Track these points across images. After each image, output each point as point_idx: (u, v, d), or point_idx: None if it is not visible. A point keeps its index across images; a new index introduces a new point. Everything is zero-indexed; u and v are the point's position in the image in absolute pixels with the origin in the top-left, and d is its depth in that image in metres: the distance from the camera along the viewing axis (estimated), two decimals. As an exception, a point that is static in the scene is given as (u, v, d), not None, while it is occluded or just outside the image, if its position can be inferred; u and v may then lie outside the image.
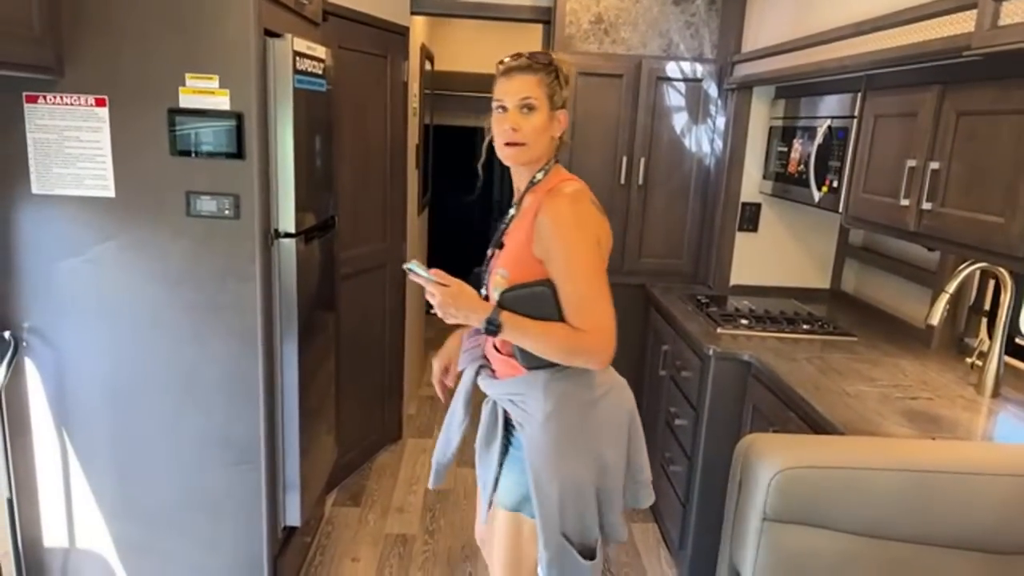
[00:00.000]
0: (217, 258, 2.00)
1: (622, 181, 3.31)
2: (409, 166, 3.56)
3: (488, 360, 1.73)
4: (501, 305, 1.52)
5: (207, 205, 1.96)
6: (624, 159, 3.29)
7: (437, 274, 1.52)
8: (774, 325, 2.68)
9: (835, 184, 2.45)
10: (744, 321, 2.70)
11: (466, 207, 6.81)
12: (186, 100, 1.91)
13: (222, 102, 1.91)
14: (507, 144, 1.56)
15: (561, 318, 1.49)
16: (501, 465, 1.66)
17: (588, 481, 1.59)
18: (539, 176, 1.61)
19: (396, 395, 3.63)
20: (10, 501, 2.10)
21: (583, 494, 1.59)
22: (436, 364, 1.90)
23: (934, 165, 1.88)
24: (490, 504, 1.70)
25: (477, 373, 1.73)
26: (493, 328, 1.49)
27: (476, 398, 1.79)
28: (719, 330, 2.62)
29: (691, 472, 2.59)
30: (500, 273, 1.58)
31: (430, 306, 1.53)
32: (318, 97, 2.25)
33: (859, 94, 2.33)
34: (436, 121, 5.15)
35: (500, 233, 1.66)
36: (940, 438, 1.71)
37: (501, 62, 1.61)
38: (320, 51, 2.21)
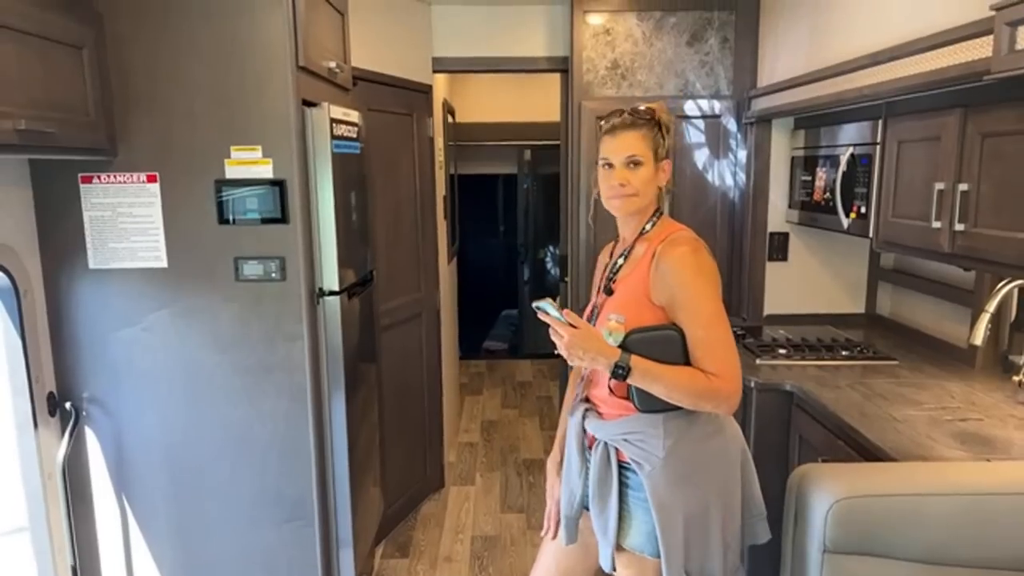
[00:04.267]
0: (266, 320, 2.07)
1: (648, 219, 3.34)
2: (438, 217, 3.64)
3: (593, 403, 1.74)
4: (626, 348, 1.54)
5: (254, 269, 2.04)
6: (649, 197, 3.33)
7: (568, 315, 1.54)
8: (813, 353, 2.68)
9: (863, 210, 2.48)
10: (782, 351, 2.71)
11: (491, 252, 6.92)
12: (232, 171, 2.00)
13: (265, 171, 2.00)
14: (615, 197, 1.65)
15: (685, 362, 1.53)
16: (620, 508, 1.65)
17: (711, 516, 1.60)
18: (648, 227, 1.69)
19: (437, 443, 3.65)
20: (74, 568, 2.14)
21: (707, 529, 1.59)
22: (551, 502, 1.91)
23: (963, 187, 1.90)
24: (614, 548, 1.66)
25: (584, 417, 1.73)
26: (622, 371, 1.51)
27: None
28: (758, 361, 2.63)
29: (740, 506, 2.57)
30: (614, 319, 1.60)
31: (554, 346, 1.54)
32: (353, 159, 2.34)
33: (880, 121, 2.37)
34: (459, 171, 5.27)
35: (608, 281, 1.71)
36: (995, 459, 1.70)
37: (604, 120, 1.69)
38: (353, 116, 2.30)
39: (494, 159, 6.12)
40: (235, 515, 2.16)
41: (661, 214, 1.72)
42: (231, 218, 2.02)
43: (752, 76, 3.25)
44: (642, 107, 1.65)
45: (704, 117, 3.31)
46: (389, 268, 3.10)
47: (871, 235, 2.43)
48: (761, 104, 3.14)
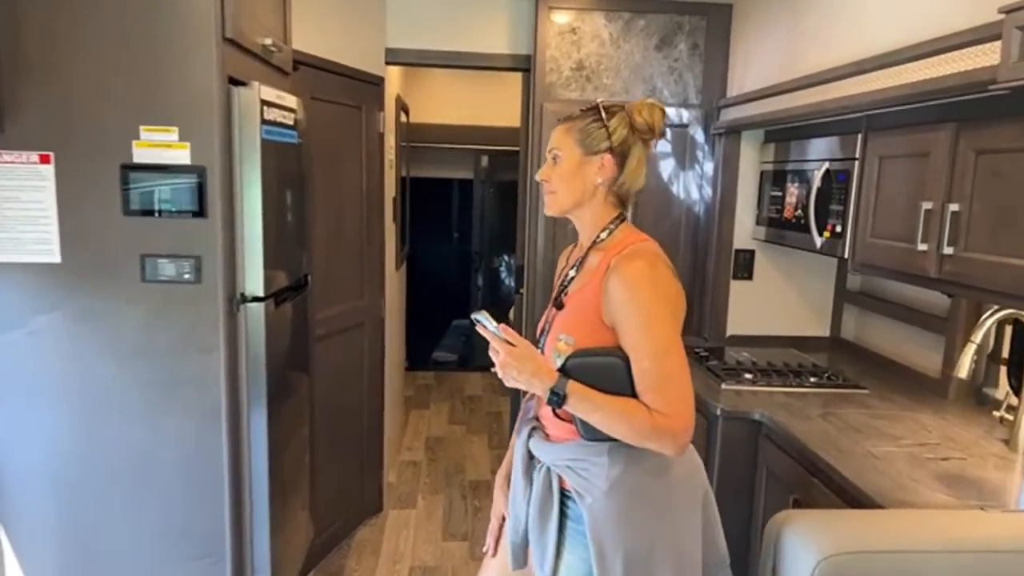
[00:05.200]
0: (176, 327, 1.80)
1: (610, 230, 3.16)
2: (387, 220, 3.40)
3: (540, 422, 1.56)
4: (566, 373, 1.37)
5: (165, 269, 1.77)
6: (611, 207, 3.15)
7: (505, 331, 1.38)
8: (779, 378, 2.53)
9: (838, 229, 2.33)
10: (748, 375, 2.54)
11: (444, 259, 6.68)
12: (141, 154, 1.73)
13: (181, 156, 1.74)
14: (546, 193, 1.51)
15: (632, 392, 1.35)
16: (560, 539, 1.48)
17: (656, 559, 1.41)
18: (604, 235, 1.49)
19: (375, 463, 3.39)
20: (-65, 612, 1.83)
21: (650, 574, 1.40)
22: (494, 519, 1.75)
23: (954, 207, 1.75)
24: None
25: (529, 435, 1.55)
26: (557, 399, 1.35)
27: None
28: (723, 386, 2.45)
29: (701, 542, 2.39)
30: (563, 339, 1.44)
31: (492, 363, 1.38)
32: (288, 149, 2.08)
33: (859, 135, 2.23)
34: (412, 173, 5.02)
35: (559, 292, 1.53)
36: (988, 508, 1.54)
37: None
38: (290, 100, 2.05)
39: (450, 163, 5.88)
40: (134, 552, 1.88)
41: (623, 220, 1.52)
42: (139, 209, 1.75)
43: (722, 85, 3.11)
44: (595, 103, 1.49)
45: (671, 126, 3.14)
46: (329, 273, 2.84)
47: (846, 255, 2.28)
48: (731, 115, 2.99)
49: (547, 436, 1.52)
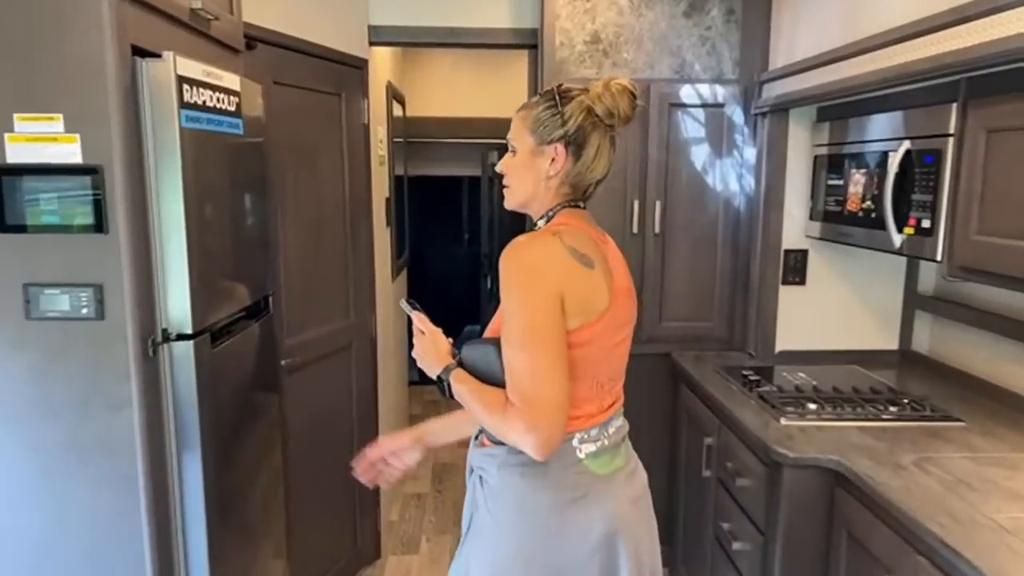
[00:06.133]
0: (76, 377, 1.38)
1: (635, 230, 2.72)
2: (377, 224, 2.97)
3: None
4: (461, 363, 1.34)
5: (57, 302, 1.35)
6: (636, 204, 2.70)
7: (419, 318, 1.41)
8: (850, 407, 2.05)
9: (925, 224, 1.86)
10: (812, 405, 2.07)
11: (453, 262, 6.25)
12: (17, 151, 1.31)
13: (70, 152, 1.31)
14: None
15: None
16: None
17: None
18: (540, 223, 1.38)
19: (371, 502, 2.96)
20: None
21: None
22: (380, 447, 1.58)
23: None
24: None
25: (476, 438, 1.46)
26: (441, 385, 1.34)
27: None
28: (783, 420, 1.99)
29: (760, 617, 1.93)
30: (489, 328, 1.39)
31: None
32: (231, 143, 1.65)
33: (955, 105, 1.75)
34: (413, 171, 4.59)
35: None
36: None
37: None
38: (229, 80, 1.62)
39: (454, 159, 5.44)
40: (36, 663, 1.46)
41: (572, 207, 1.36)
42: (17, 225, 1.33)
43: (763, 55, 2.63)
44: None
45: (704, 106, 2.68)
46: (305, 291, 2.41)
47: (939, 257, 1.81)
48: (775, 90, 2.51)
49: (481, 442, 1.42)
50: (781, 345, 2.66)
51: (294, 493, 2.38)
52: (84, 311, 1.35)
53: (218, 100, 1.56)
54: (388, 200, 3.28)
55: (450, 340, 1.39)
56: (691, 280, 2.77)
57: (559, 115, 1.29)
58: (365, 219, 2.76)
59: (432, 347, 1.36)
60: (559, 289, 1.21)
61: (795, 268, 2.62)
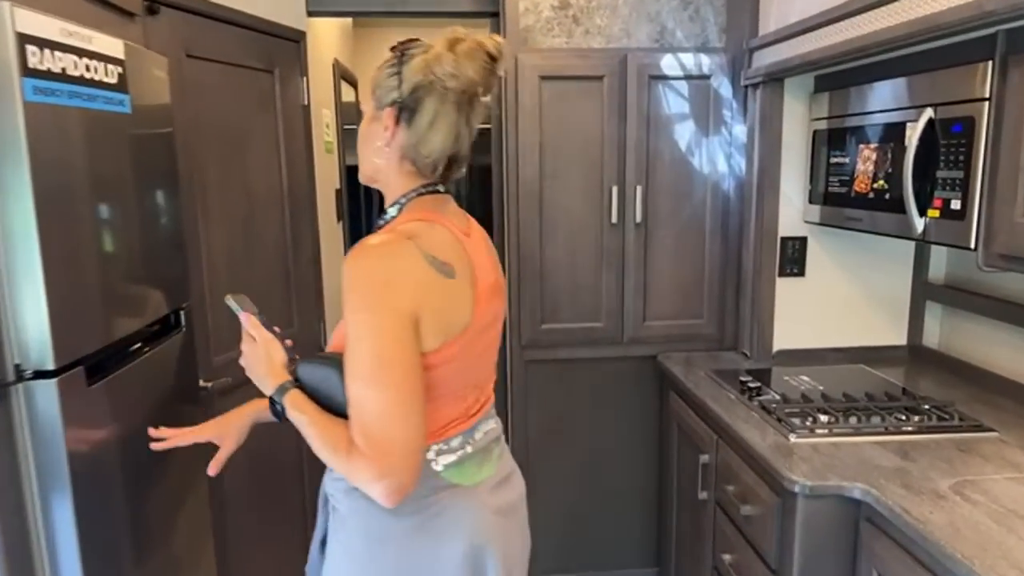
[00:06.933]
0: None
1: (613, 219, 2.42)
2: (326, 219, 2.64)
3: None
4: (299, 381, 1.14)
5: None
6: (613, 190, 2.41)
7: (250, 322, 1.20)
8: (866, 418, 1.79)
9: (955, 205, 1.58)
10: (823, 416, 1.80)
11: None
12: None
13: None
14: None
15: None
16: None
17: None
18: (391, 211, 1.18)
19: (329, 531, 2.65)
20: None
21: None
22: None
23: None
24: None
25: None
26: (277, 410, 1.14)
27: None
28: (793, 437, 1.71)
29: (772, 667, 1.65)
30: (332, 340, 1.20)
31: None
32: (111, 124, 1.32)
33: (990, 63, 1.48)
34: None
35: None
36: None
37: None
38: (103, 43, 1.28)
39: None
40: None
41: (427, 193, 1.17)
42: None
43: (753, 19, 2.34)
44: None
45: (688, 78, 2.39)
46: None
47: (972, 244, 1.54)
48: (768, 57, 2.23)
49: None
50: (779, 343, 2.39)
51: (233, 529, 2.06)
52: (-102, 347, 1.02)
53: (88, 69, 1.22)
54: (339, 192, 2.95)
55: (289, 345, 1.21)
56: (677, 274, 2.49)
57: (396, 76, 1.12)
58: (308, 214, 2.43)
59: (264, 358, 1.17)
60: (413, 308, 1.03)
61: (793, 258, 2.35)
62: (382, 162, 1.16)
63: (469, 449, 1.19)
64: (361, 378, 1.01)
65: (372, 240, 1.06)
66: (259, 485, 2.22)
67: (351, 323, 1.02)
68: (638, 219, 2.43)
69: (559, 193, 2.42)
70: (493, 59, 1.10)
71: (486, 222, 3.40)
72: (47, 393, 1.13)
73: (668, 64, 2.37)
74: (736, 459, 1.82)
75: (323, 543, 1.26)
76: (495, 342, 1.23)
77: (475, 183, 5.10)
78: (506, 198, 2.49)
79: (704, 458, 2.02)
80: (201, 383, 1.87)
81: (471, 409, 1.20)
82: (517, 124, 2.37)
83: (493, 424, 1.27)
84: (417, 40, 1.15)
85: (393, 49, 1.16)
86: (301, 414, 1.09)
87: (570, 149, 2.40)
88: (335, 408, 1.09)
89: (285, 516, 2.39)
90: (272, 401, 1.13)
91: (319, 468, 2.22)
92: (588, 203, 2.43)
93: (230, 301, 1.23)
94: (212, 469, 1.35)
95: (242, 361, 1.20)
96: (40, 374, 1.13)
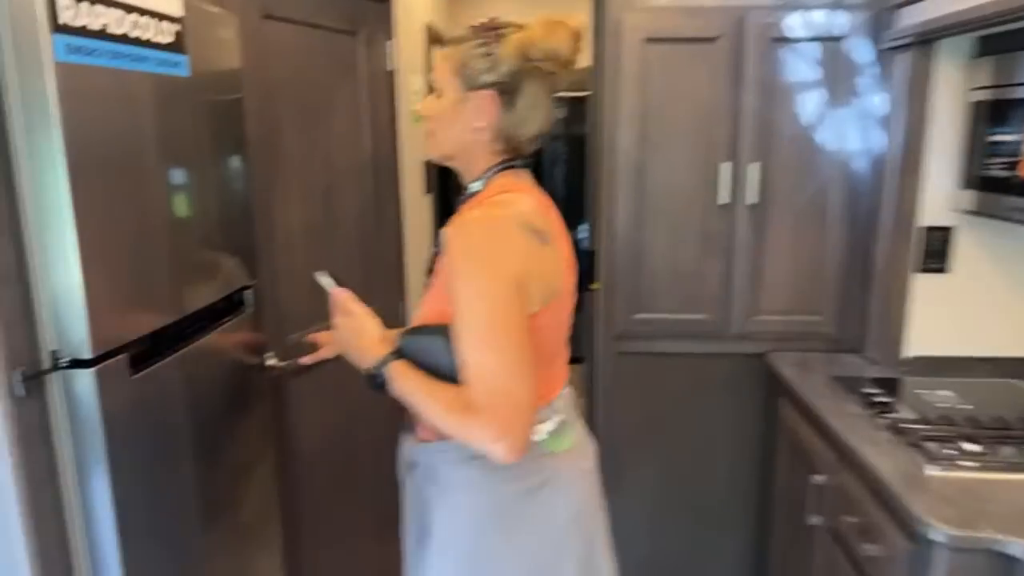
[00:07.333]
0: (-74, 421, 0.97)
1: (722, 200, 2.16)
2: (412, 192, 2.51)
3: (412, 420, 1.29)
4: (400, 353, 1.15)
5: None
6: (725, 167, 2.14)
7: (342, 296, 1.23)
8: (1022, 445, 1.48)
9: None
10: (970, 446, 1.51)
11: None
12: None
13: None
14: None
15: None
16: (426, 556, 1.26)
17: None
18: (475, 187, 1.22)
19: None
20: None
21: None
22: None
23: None
24: None
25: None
26: (379, 382, 1.14)
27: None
28: (930, 469, 1.44)
29: None
30: (418, 312, 1.22)
31: None
32: (165, 87, 1.20)
33: None
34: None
35: (431, 259, 1.24)
36: None
37: None
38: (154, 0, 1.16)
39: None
40: None
41: (509, 168, 1.20)
42: None
43: (902, -30, 2.00)
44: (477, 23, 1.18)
45: (817, 39, 2.08)
46: (308, 280, 1.97)
47: None
48: (918, 15, 1.89)
49: (416, 436, 1.29)
50: (912, 349, 2.08)
51: (305, 516, 1.99)
52: (-73, 331, 0.94)
53: (136, 26, 1.11)
54: (428, 163, 2.82)
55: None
56: (794, 263, 2.21)
57: (491, 55, 1.14)
58: (391, 187, 2.30)
59: (363, 331, 1.20)
60: (519, 273, 1.08)
61: (935, 251, 2.02)
62: (470, 143, 1.19)
63: (561, 415, 1.25)
64: (479, 340, 1.06)
65: (474, 214, 1.12)
66: (334, 464, 2.14)
67: (462, 292, 1.07)
68: (751, 200, 2.15)
69: (661, 169, 2.18)
70: (577, 38, 1.16)
71: (575, 198, 3.17)
72: (84, 383, 1.04)
73: (794, 24, 2.06)
74: (858, 486, 1.56)
75: (418, 536, 1.27)
76: (572, 308, 1.27)
77: (563, 155, 4.84)
78: (602, 173, 2.27)
79: (818, 479, 1.76)
80: (274, 363, 1.79)
81: (559, 375, 1.27)
82: (617, 91, 2.14)
83: (567, 388, 1.32)
84: (499, 20, 1.17)
85: (476, 28, 1.17)
86: (408, 380, 1.12)
87: (675, 121, 2.16)
88: (441, 375, 1.11)
89: (360, 496, 2.31)
90: (372, 375, 1.15)
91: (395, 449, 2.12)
92: (694, 180, 2.18)
93: (322, 278, 1.24)
94: (305, 359, 1.49)
95: (336, 336, 1.24)
96: (77, 363, 1.03)
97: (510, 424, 1.05)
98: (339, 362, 2.10)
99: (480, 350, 1.06)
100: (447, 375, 1.10)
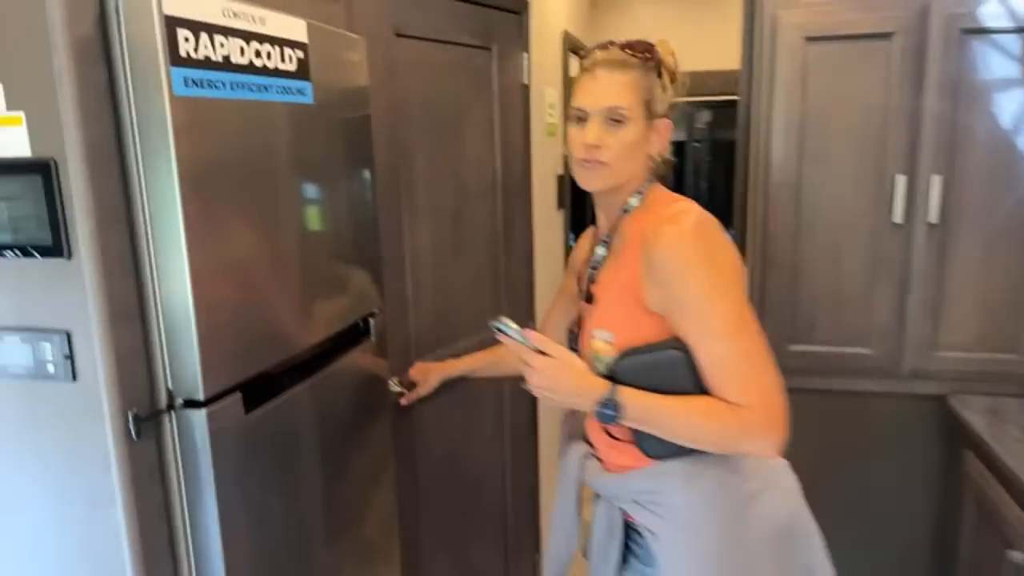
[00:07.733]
0: (46, 461, 0.98)
1: (897, 218, 1.89)
2: (543, 209, 2.41)
3: (593, 445, 1.30)
4: (616, 379, 1.12)
5: (15, 354, 0.95)
6: (900, 180, 1.87)
7: (534, 337, 1.14)
8: None
9: None
10: None
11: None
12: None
13: (13, 139, 0.89)
14: (579, 164, 1.19)
15: (697, 391, 1.10)
16: None
17: None
18: (634, 202, 1.21)
19: (530, 541, 2.47)
20: None
21: None
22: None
23: None
24: None
25: (583, 464, 1.29)
26: (611, 414, 1.10)
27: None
28: None
29: None
30: (600, 337, 1.18)
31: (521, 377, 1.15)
32: (286, 117, 1.17)
33: None
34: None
35: (588, 282, 1.25)
36: None
37: (585, 55, 1.22)
38: (278, 23, 1.12)
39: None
40: None
41: (654, 183, 1.23)
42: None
43: None
44: (638, 42, 1.17)
45: (1020, 31, 1.76)
46: (439, 301, 1.92)
47: None
48: None
49: (603, 465, 1.26)
50: None
51: (427, 539, 1.94)
52: (51, 368, 0.94)
53: (258, 55, 1.07)
54: (561, 178, 2.71)
55: None
56: (984, 291, 1.90)
57: (664, 84, 1.17)
58: (522, 206, 2.21)
59: (567, 371, 1.13)
60: (737, 272, 1.14)
61: None
62: (640, 168, 1.20)
63: None
64: (727, 336, 1.08)
65: (688, 220, 1.11)
66: (453, 484, 2.08)
67: (700, 298, 1.08)
68: (932, 219, 1.87)
69: (822, 182, 1.94)
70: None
71: (720, 206, 2.91)
72: (197, 424, 1.00)
73: (990, 13, 1.77)
74: (1076, 576, 1.28)
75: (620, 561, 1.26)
76: None
77: (706, 162, 4.56)
78: (753, 185, 2.06)
79: (1016, 556, 1.47)
80: (398, 389, 1.75)
81: None
82: (771, 95, 1.93)
83: None
84: (642, 42, 1.17)
85: (639, 49, 1.15)
86: (652, 406, 1.10)
87: (839, 128, 1.91)
88: (671, 392, 1.10)
89: (482, 518, 2.24)
90: (605, 406, 1.09)
91: (522, 469, 2.11)
92: (861, 195, 1.93)
93: (500, 324, 1.16)
94: (404, 400, 1.62)
95: (538, 382, 1.14)
96: (190, 403, 1.00)
97: (783, 413, 1.07)
98: (462, 384, 2.04)
99: (736, 350, 1.08)
100: (678, 390, 1.09)
